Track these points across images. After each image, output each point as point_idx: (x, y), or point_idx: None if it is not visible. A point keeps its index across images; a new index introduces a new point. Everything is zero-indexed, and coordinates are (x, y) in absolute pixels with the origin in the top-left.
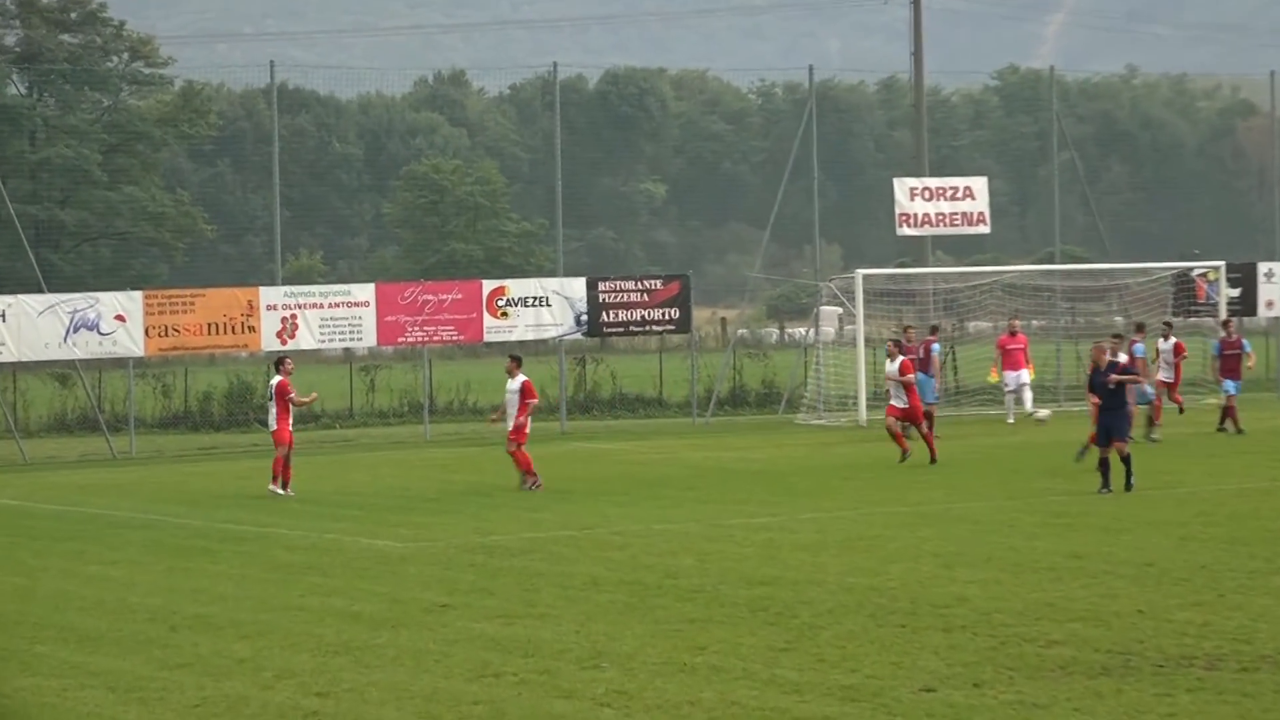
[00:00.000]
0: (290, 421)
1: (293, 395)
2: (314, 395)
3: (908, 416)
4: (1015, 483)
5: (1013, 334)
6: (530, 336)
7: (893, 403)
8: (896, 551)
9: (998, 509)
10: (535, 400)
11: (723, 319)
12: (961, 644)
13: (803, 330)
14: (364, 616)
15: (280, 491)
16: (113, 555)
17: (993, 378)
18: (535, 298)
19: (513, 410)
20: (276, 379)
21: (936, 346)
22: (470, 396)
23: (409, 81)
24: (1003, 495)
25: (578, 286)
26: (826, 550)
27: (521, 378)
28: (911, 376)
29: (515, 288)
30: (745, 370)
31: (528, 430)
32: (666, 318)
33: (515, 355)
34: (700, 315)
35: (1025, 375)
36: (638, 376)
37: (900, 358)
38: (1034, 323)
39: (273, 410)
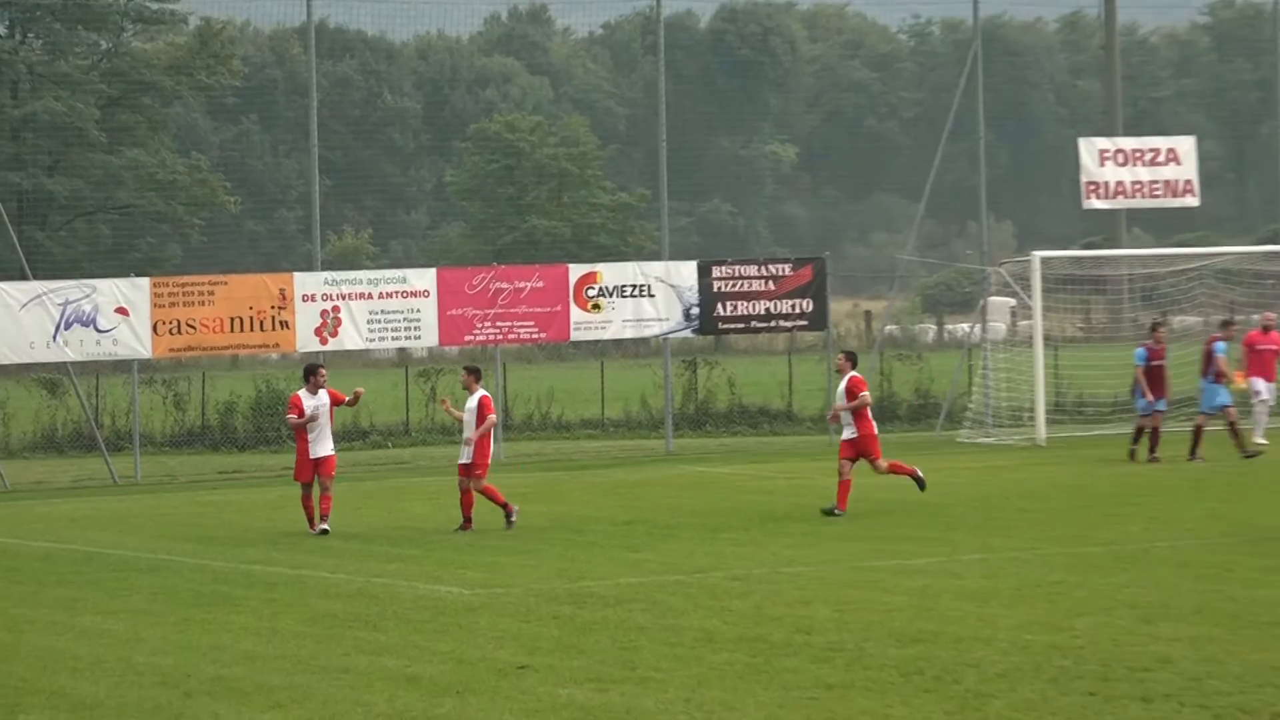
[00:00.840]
0: (311, 448)
1: (302, 415)
2: (358, 391)
3: (861, 451)
4: (1233, 515)
5: (1265, 330)
6: (628, 334)
7: (843, 436)
8: (1084, 601)
9: (1211, 549)
10: (493, 417)
11: (866, 312)
12: (1166, 717)
13: (966, 326)
14: (423, 680)
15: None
16: (113, 604)
17: (1239, 383)
18: (634, 286)
19: (469, 432)
20: (323, 395)
21: (1221, 346)
22: (554, 409)
23: (478, 19)
24: (1217, 532)
25: (687, 272)
26: (997, 599)
27: (480, 393)
28: (863, 398)
29: (610, 274)
30: (895, 376)
31: (488, 461)
32: (797, 311)
33: (472, 367)
34: (839, 308)
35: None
36: (761, 384)
37: (850, 373)
38: (1254, 318)
39: (324, 429)
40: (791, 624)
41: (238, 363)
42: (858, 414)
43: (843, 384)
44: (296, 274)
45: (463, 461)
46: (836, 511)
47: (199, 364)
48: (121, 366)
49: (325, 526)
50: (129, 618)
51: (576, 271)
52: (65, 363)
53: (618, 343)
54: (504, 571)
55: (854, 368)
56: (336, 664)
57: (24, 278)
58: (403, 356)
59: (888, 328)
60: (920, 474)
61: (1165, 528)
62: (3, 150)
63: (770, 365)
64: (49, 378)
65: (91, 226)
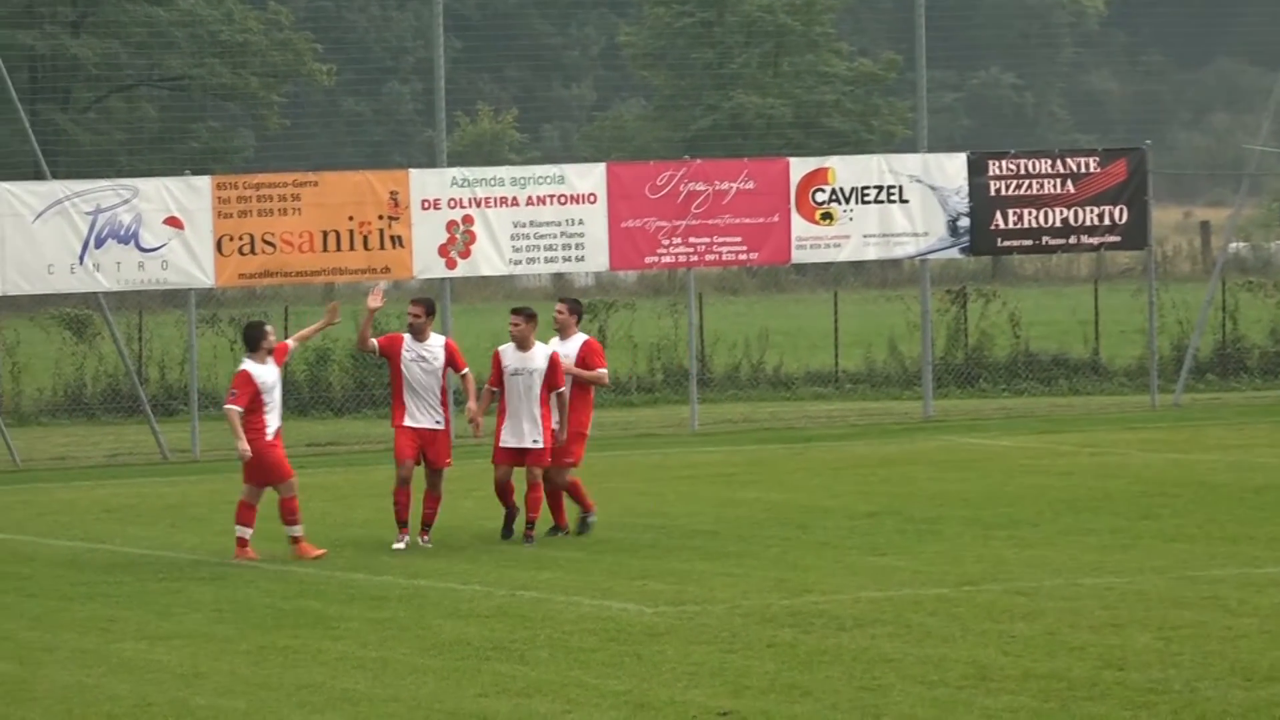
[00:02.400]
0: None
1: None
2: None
3: (557, 457)
4: None
5: None
6: (871, 255)
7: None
8: None
9: None
10: (603, 372)
11: (1203, 224)
12: None
13: None
14: None
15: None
16: (163, 626)
17: None
18: (880, 188)
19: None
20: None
21: None
22: (769, 358)
23: None
24: None
25: (953, 169)
26: None
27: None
28: (601, 373)
29: (846, 170)
30: (1243, 313)
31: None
32: (1106, 222)
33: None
34: (1165, 218)
35: None
36: (1057, 324)
37: (579, 337)
38: None
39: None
40: (1097, 655)
41: (334, 294)
42: (580, 398)
43: (575, 347)
44: (414, 171)
45: (527, 445)
46: (589, 520)
47: (280, 296)
48: (173, 299)
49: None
50: (184, 645)
51: (800, 168)
52: (96, 293)
53: (857, 267)
54: (700, 583)
55: (577, 325)
56: (470, 708)
57: (40, 177)
58: (560, 285)
59: (1233, 246)
60: (590, 516)
61: None
62: (10, 1)
63: (1069, 298)
64: (74, 314)
65: (132, 106)
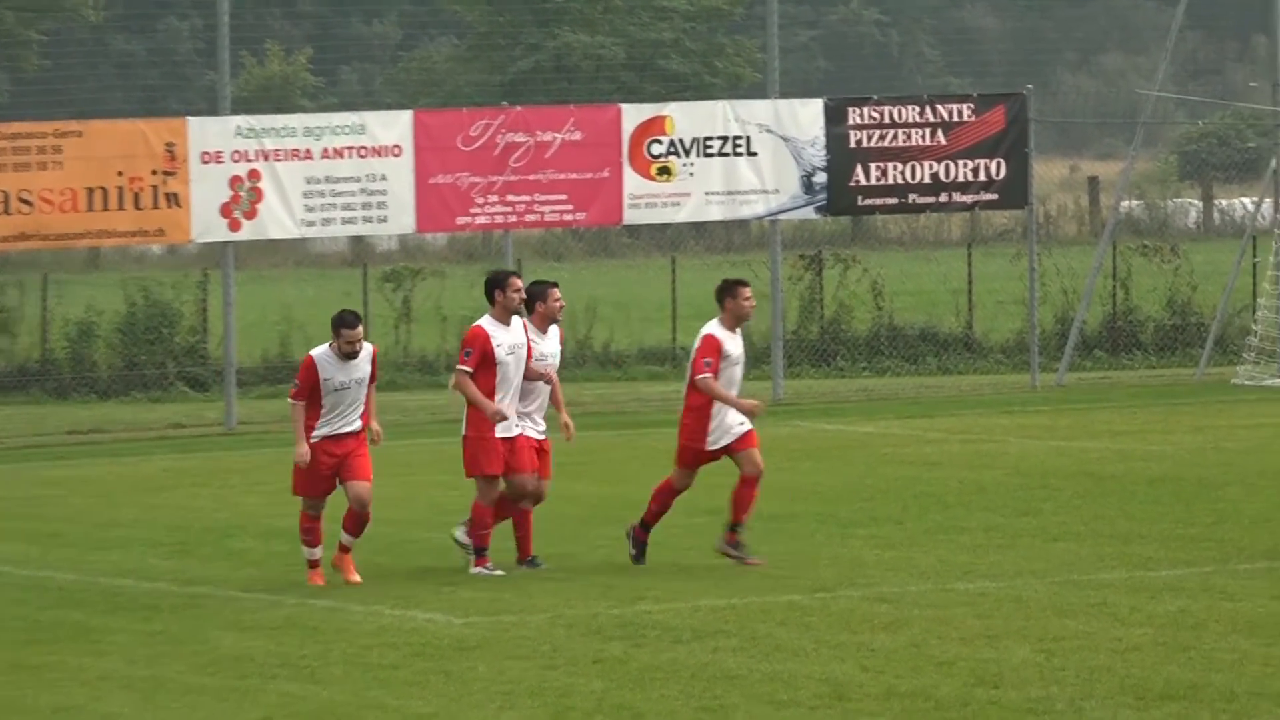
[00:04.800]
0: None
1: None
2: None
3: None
4: None
5: None
6: (715, 215)
7: (528, 431)
8: None
9: None
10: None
11: (1091, 180)
12: None
13: (1249, 203)
14: None
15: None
16: None
17: None
18: (725, 139)
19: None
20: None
21: None
22: (597, 333)
23: None
24: None
25: (808, 117)
26: None
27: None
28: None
29: (686, 119)
30: (1137, 281)
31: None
32: (981, 177)
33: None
34: (1049, 172)
35: None
36: (924, 294)
37: (555, 327)
38: None
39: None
40: (969, 671)
41: (99, 260)
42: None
43: (545, 340)
44: (192, 119)
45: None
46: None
47: (37, 262)
48: None
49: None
50: None
51: (634, 116)
52: None
53: (699, 229)
54: (517, 589)
55: (549, 313)
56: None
57: None
58: (360, 250)
59: (1125, 204)
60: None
61: None
62: None
63: (939, 264)
64: None
65: None
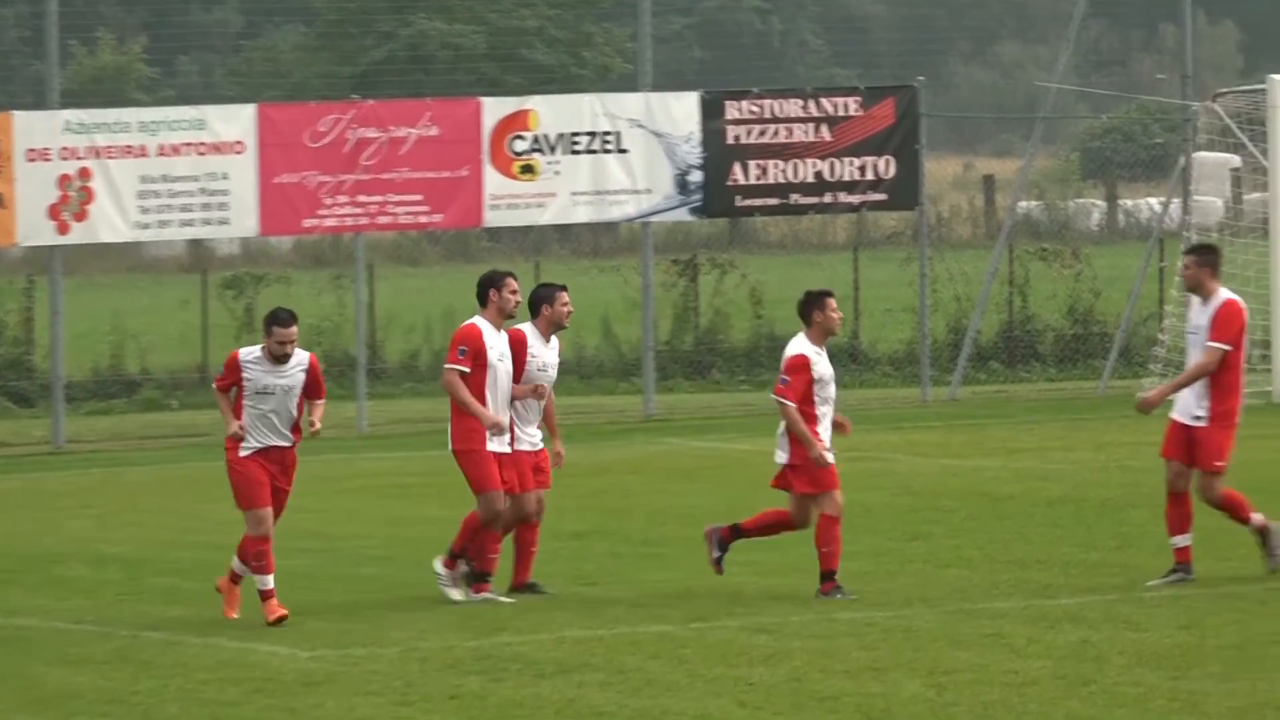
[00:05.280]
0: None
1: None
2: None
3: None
4: None
5: None
6: (582, 217)
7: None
8: None
9: None
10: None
11: (987, 178)
12: None
13: (1155, 203)
14: None
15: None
16: None
17: None
18: (593, 135)
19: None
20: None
21: None
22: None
23: None
24: None
25: (683, 112)
26: (1204, 664)
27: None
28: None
29: (551, 113)
30: (1036, 287)
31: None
32: (868, 176)
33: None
34: (940, 170)
35: None
36: None
37: (555, 337)
38: None
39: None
40: (855, 706)
41: None
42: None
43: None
44: (17, 113)
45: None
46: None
47: None
48: None
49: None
50: None
51: (495, 110)
52: None
53: (564, 232)
54: (368, 620)
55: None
56: None
57: None
58: (199, 255)
59: (1022, 205)
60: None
61: None
62: None
63: (823, 269)
64: None
65: None
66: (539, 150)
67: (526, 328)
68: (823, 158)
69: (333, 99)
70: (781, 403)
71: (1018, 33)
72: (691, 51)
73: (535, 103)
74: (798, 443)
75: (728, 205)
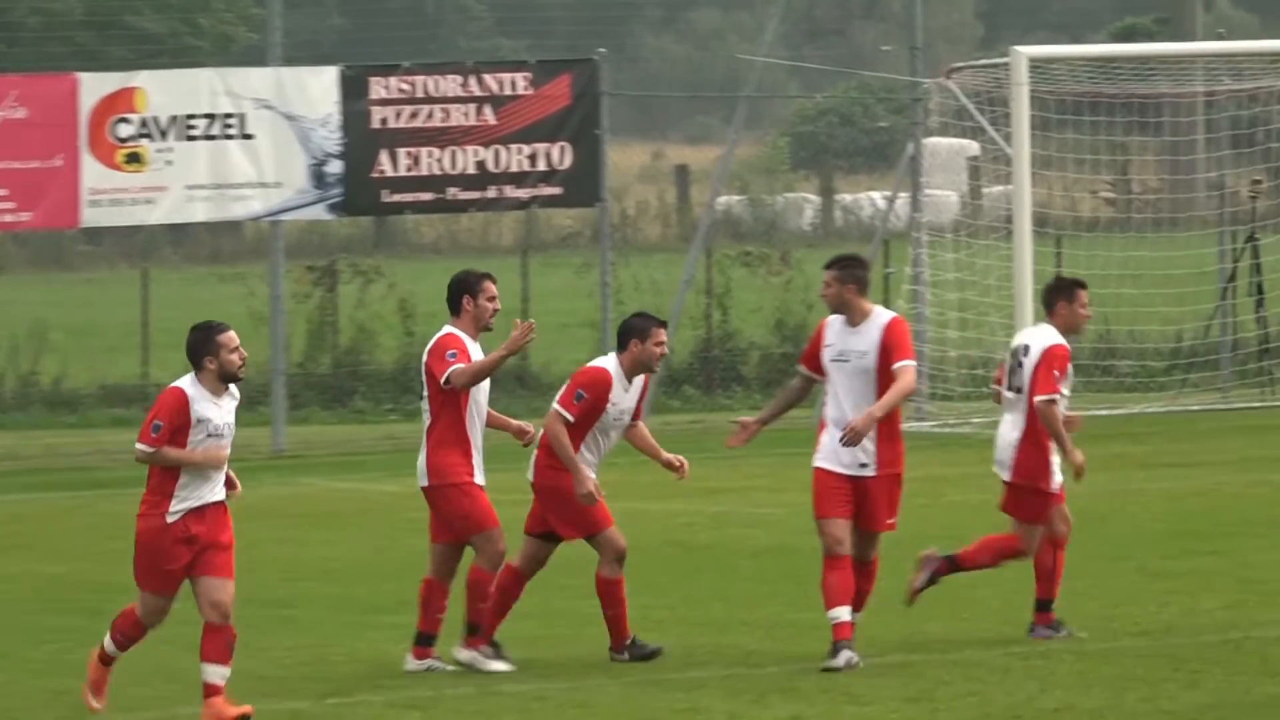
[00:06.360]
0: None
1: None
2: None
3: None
4: None
5: None
6: (200, 216)
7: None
8: None
9: None
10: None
11: (680, 168)
12: None
13: (879, 198)
14: None
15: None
16: None
17: None
18: (212, 117)
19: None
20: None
21: None
22: (47, 366)
23: None
24: None
25: (320, 90)
26: None
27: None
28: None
29: (162, 92)
30: (737, 298)
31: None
32: (540, 166)
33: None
34: (625, 159)
35: None
36: None
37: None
38: None
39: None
40: None
41: None
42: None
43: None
44: None
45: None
46: None
47: None
48: None
49: None
50: None
51: (95, 88)
52: None
53: (179, 233)
54: None
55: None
56: None
57: None
58: None
59: (722, 201)
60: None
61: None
62: None
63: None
64: None
65: None
66: (147, 136)
67: (611, 366)
68: (486, 145)
69: None
70: (1050, 401)
71: (732, 5)
72: (330, 19)
73: (143, 79)
74: (1036, 452)
75: (373, 201)
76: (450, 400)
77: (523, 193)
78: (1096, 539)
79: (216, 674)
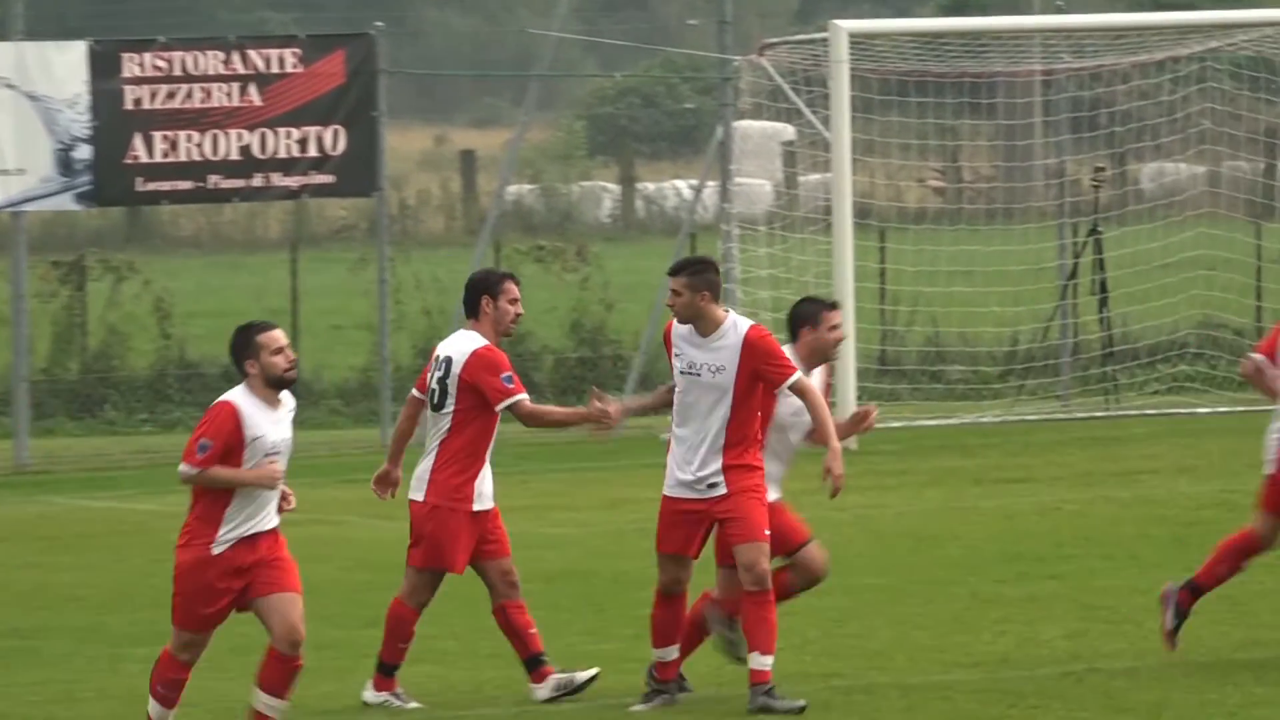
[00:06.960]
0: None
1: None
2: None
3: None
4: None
5: None
6: None
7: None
8: None
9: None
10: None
11: (466, 154)
12: None
13: (683, 187)
14: None
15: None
16: None
17: None
18: None
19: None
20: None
21: None
22: None
23: None
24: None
25: (66, 68)
26: None
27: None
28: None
29: None
30: (529, 297)
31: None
32: (311, 152)
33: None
34: (405, 144)
35: None
36: (230, 317)
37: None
38: None
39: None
40: None
41: None
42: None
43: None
44: None
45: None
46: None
47: None
48: None
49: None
50: None
51: None
52: None
53: None
54: None
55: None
56: None
57: None
58: None
59: (511, 190)
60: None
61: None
62: None
63: (251, 274)
64: None
65: None
66: None
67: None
68: (251, 128)
69: None
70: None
71: None
72: None
73: None
74: None
75: (125, 190)
76: (483, 421)
77: (292, 181)
78: (925, 561)
79: (269, 707)
